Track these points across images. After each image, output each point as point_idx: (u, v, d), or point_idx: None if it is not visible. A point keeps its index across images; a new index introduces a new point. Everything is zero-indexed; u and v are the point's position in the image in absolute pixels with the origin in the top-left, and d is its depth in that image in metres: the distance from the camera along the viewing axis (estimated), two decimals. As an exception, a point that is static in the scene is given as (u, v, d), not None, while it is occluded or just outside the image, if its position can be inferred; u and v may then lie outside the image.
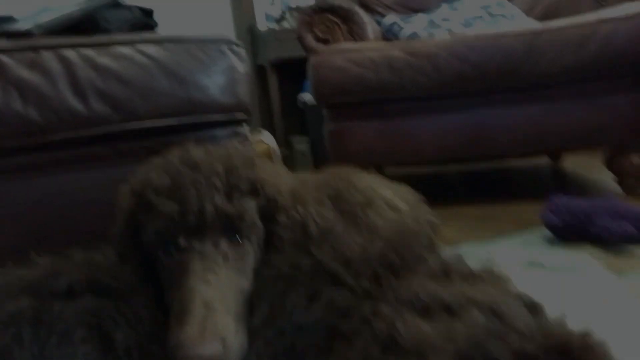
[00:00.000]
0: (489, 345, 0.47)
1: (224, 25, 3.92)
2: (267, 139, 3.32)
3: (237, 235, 0.73)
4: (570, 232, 1.62)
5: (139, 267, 0.73)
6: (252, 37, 4.04)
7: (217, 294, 0.65)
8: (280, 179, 0.86)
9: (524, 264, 1.49)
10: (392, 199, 1.38)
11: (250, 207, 0.74)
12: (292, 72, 3.78)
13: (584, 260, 1.48)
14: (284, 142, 4.06)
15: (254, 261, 0.75)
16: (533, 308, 0.57)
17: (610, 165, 2.29)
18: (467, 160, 3.20)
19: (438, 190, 3.04)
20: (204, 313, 0.63)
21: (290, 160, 3.98)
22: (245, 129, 1.38)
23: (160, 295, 0.71)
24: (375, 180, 1.44)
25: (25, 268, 0.74)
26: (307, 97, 3.67)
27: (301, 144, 4.07)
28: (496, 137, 2.24)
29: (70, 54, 1.15)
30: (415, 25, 2.64)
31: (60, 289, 0.66)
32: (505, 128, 2.23)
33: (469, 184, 3.28)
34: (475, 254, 1.59)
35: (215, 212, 0.69)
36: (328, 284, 0.69)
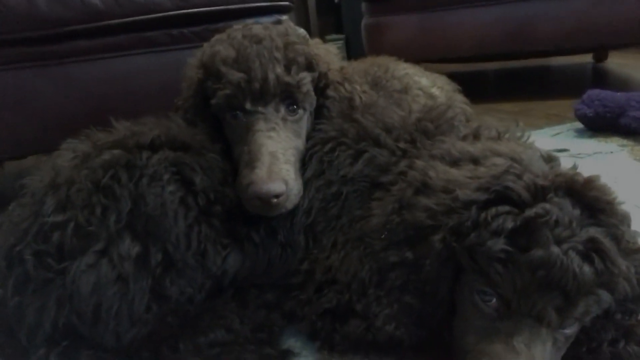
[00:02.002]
0: (505, 179, 0.58)
1: None
2: (302, 37, 3.31)
3: (294, 103, 0.82)
4: (601, 123, 1.66)
5: (208, 128, 0.85)
6: None
7: (280, 148, 0.77)
8: (331, 57, 0.94)
9: (549, 150, 1.57)
10: (428, 86, 1.44)
11: (306, 79, 0.83)
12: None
13: (609, 148, 1.54)
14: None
15: (308, 127, 0.86)
16: (549, 159, 0.67)
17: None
18: (506, 57, 3.13)
19: (474, 87, 3.04)
20: (270, 160, 0.75)
21: (325, 58, 3.98)
22: (287, 19, 1.43)
23: (226, 152, 0.83)
24: (413, 69, 1.50)
25: (106, 132, 0.86)
26: (345, -9, 3.57)
27: (337, 42, 4.03)
28: (539, 30, 2.19)
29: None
30: None
31: (144, 143, 0.78)
32: (549, 21, 2.16)
33: (506, 81, 3.25)
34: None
35: (277, 81, 0.79)
36: (371, 145, 0.80)
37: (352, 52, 3.89)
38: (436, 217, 0.61)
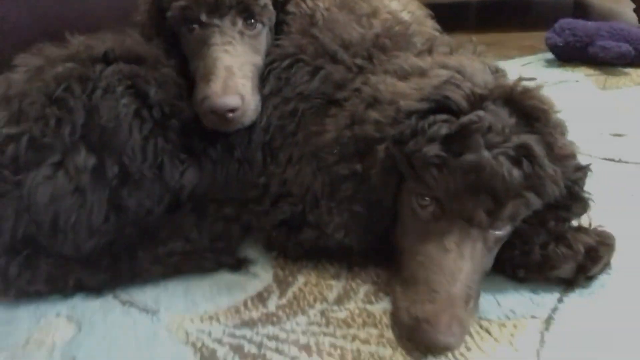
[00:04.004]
0: (445, 89, 0.59)
1: None
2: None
3: (251, 17, 0.81)
4: (570, 52, 1.67)
5: (164, 43, 0.83)
6: None
7: (236, 62, 0.77)
8: None
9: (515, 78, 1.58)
10: (397, 10, 1.42)
11: None
12: None
13: (575, 77, 1.56)
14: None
15: (265, 43, 0.85)
16: (496, 72, 0.69)
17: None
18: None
19: (453, 18, 2.99)
20: (226, 74, 0.75)
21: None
22: None
23: (181, 66, 0.82)
24: (384, -8, 1.47)
25: (60, 46, 0.85)
26: None
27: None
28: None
29: None
30: None
31: (97, 56, 0.77)
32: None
33: (486, 12, 3.20)
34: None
35: None
36: (327, 61, 0.80)
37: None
38: (382, 129, 0.63)
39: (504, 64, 1.77)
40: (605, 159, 1.02)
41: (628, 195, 0.90)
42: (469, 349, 0.58)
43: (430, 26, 1.47)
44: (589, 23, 1.67)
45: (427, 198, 0.60)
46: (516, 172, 0.55)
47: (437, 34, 1.47)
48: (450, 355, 0.57)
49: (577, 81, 1.53)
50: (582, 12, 2.92)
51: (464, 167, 0.55)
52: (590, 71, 1.61)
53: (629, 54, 1.52)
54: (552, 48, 1.70)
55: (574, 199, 0.66)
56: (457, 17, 3.05)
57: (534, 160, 0.56)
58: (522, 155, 0.56)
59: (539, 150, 0.56)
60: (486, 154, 0.55)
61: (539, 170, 0.56)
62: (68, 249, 0.72)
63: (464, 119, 0.57)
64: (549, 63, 1.74)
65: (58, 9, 1.24)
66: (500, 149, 0.55)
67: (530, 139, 0.57)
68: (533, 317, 0.62)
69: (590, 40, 1.62)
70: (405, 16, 1.41)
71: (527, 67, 1.75)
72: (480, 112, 0.57)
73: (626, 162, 1.01)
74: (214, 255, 0.76)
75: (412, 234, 0.62)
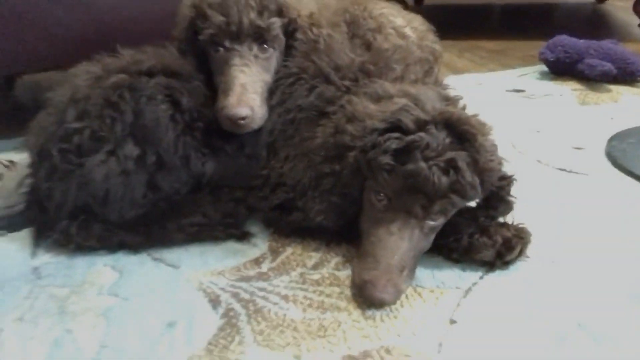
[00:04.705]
0: (400, 114, 0.79)
1: None
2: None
3: (265, 43, 1.02)
4: (561, 68, 1.83)
5: (196, 60, 1.05)
6: None
7: (249, 80, 0.97)
8: (301, 5, 1.12)
9: (507, 89, 1.75)
10: (401, 26, 1.60)
11: (275, 23, 1.02)
12: None
13: (561, 91, 1.72)
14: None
15: (276, 64, 1.05)
16: (448, 100, 0.88)
17: (637, 8, 2.34)
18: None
19: (471, 23, 3.13)
20: (241, 90, 0.96)
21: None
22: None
23: (209, 80, 1.04)
24: (391, 9, 1.64)
25: (114, 57, 1.07)
26: None
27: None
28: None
29: None
30: None
31: (143, 70, 0.99)
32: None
33: (505, 18, 3.31)
34: (473, 80, 1.86)
35: (250, 25, 0.98)
36: (322, 81, 1.00)
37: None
38: (354, 140, 0.83)
39: (503, 74, 1.95)
40: (559, 169, 1.20)
41: (561, 201, 1.07)
42: (402, 306, 0.79)
43: (431, 40, 1.65)
44: (581, 41, 1.82)
45: (381, 194, 0.80)
46: (444, 179, 0.75)
47: (437, 47, 1.66)
48: (388, 308, 0.78)
49: (561, 95, 1.70)
50: (599, 19, 3.03)
51: (406, 173, 0.75)
52: (577, 86, 1.77)
53: (610, 72, 1.68)
54: (545, 62, 1.86)
55: (499, 201, 0.86)
56: (473, 20, 3.19)
57: (458, 171, 0.75)
58: (450, 166, 0.75)
59: (462, 164, 0.76)
60: (422, 164, 0.75)
61: (461, 179, 0.75)
62: (114, 217, 0.94)
63: (409, 137, 0.76)
64: (543, 76, 1.90)
65: (108, 16, 1.47)
66: (434, 161, 0.75)
67: (459, 155, 0.76)
68: (457, 288, 0.82)
69: (580, 58, 1.77)
70: (408, 32, 1.60)
71: (522, 78, 1.91)
72: (422, 134, 0.76)
73: (576, 173, 1.18)
74: (225, 228, 0.97)
75: (369, 220, 0.82)
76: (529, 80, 1.87)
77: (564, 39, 1.83)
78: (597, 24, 2.96)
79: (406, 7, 2.06)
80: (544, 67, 1.94)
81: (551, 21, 3.08)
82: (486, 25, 3.07)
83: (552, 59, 1.81)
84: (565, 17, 3.21)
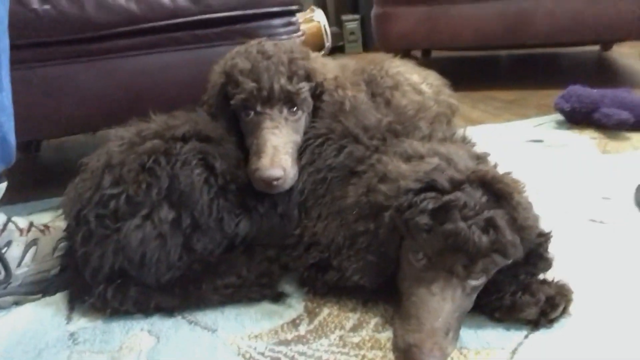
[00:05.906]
0: (434, 174, 0.80)
1: None
2: (319, 17, 3.47)
3: (294, 106, 1.05)
4: (577, 117, 1.85)
5: (226, 123, 1.08)
6: None
7: (281, 142, 1.00)
8: (327, 69, 1.16)
9: (526, 139, 1.77)
10: (417, 83, 1.65)
11: (304, 87, 1.06)
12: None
13: (579, 140, 1.73)
14: (336, 21, 4.19)
15: (305, 125, 1.09)
16: (478, 158, 0.89)
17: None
18: (508, 47, 3.27)
19: (480, 73, 3.20)
20: (273, 152, 0.99)
21: (340, 38, 4.15)
22: (296, 18, 1.65)
23: (240, 143, 1.07)
24: (406, 66, 1.70)
25: (146, 122, 1.10)
26: (359, -24, 3.70)
27: (352, 23, 4.19)
28: (536, 24, 2.34)
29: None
30: None
31: (177, 136, 1.02)
32: (546, 16, 2.32)
33: (514, 67, 3.39)
34: (492, 131, 1.88)
35: (280, 90, 1.02)
36: (351, 141, 1.02)
37: (367, 32, 4.05)
38: (388, 200, 0.84)
39: (520, 123, 1.96)
40: (591, 220, 1.20)
41: (597, 253, 1.05)
42: (448, 369, 0.77)
43: (447, 94, 1.70)
44: (595, 91, 1.85)
45: (420, 253, 0.80)
46: (484, 238, 0.75)
47: (453, 101, 1.70)
48: (433, 373, 0.76)
49: (580, 144, 1.71)
50: (605, 67, 3.09)
51: (445, 233, 0.76)
52: (595, 134, 1.78)
53: (627, 121, 1.69)
54: (561, 112, 1.89)
55: (538, 258, 0.85)
56: (485, 70, 3.26)
57: (498, 229, 0.75)
58: (489, 225, 0.76)
59: (501, 222, 0.76)
60: (461, 224, 0.75)
61: (501, 238, 0.75)
62: (151, 280, 0.95)
63: (446, 197, 0.77)
64: (559, 125, 1.92)
65: (136, 81, 1.53)
66: (473, 220, 0.75)
67: (497, 214, 0.77)
68: (502, 348, 0.81)
69: (595, 107, 1.80)
70: (424, 88, 1.65)
71: (539, 127, 1.93)
72: (458, 193, 0.77)
73: (606, 224, 1.18)
74: (259, 289, 0.97)
75: (409, 279, 0.82)
76: (547, 129, 1.89)
77: (578, 89, 1.86)
78: (604, 72, 3.01)
79: (415, 60, 2.13)
80: (559, 116, 1.96)
81: (559, 70, 3.14)
82: (496, 75, 3.14)
83: (567, 109, 1.83)
84: (573, 66, 3.27)
